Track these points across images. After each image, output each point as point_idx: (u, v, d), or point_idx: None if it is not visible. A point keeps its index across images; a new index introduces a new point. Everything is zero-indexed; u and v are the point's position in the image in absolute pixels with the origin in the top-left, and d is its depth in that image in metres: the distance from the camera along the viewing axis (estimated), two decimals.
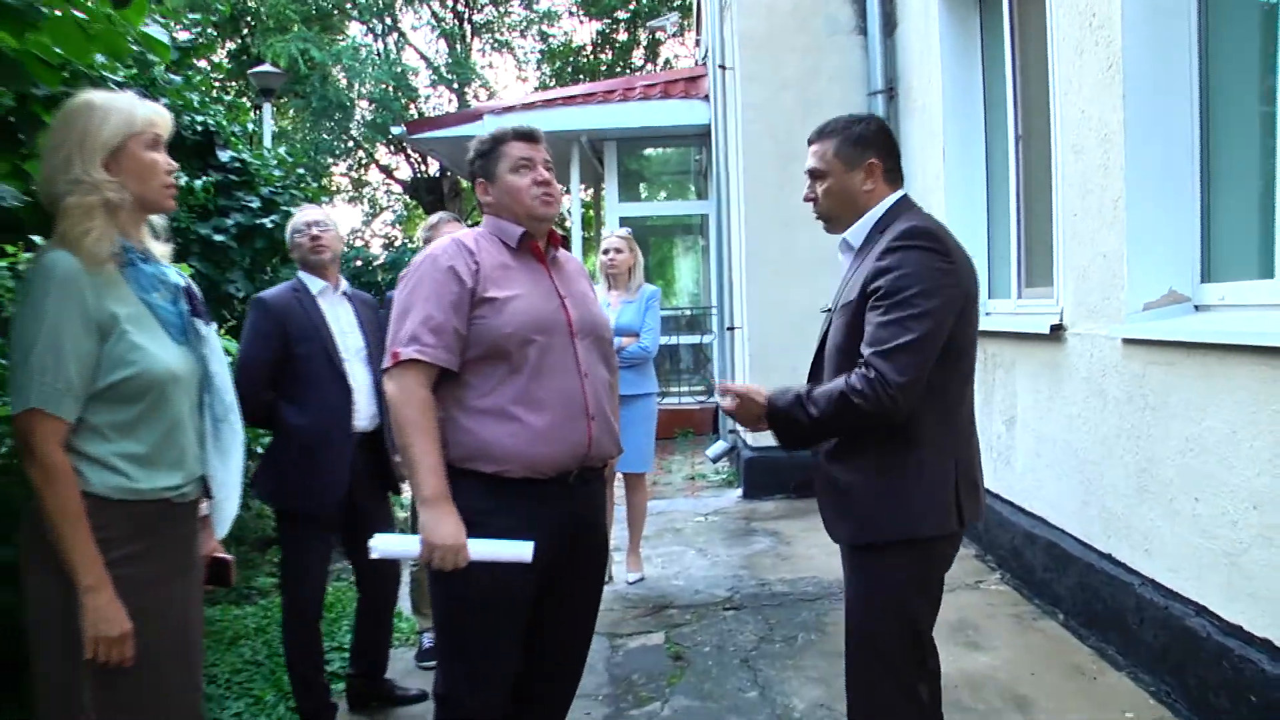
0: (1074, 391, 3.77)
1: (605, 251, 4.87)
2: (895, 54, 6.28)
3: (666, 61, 22.08)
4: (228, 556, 2.13)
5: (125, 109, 1.84)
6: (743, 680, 3.52)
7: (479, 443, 2.13)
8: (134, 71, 3.53)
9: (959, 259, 2.07)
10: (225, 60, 19.53)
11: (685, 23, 17.22)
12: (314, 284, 3.26)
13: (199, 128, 5.77)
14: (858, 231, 2.19)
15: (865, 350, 2.00)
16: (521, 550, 2.06)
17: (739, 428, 7.55)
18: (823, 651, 3.71)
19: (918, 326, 1.96)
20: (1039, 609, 4.00)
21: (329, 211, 3.46)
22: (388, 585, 3.46)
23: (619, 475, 4.60)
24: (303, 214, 3.34)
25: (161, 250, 1.97)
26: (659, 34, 21.19)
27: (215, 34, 18.69)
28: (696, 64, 12.82)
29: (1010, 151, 4.72)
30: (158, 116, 1.89)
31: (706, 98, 9.71)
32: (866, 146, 2.20)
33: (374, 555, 2.11)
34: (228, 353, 3.47)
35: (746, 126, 6.74)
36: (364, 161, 23.11)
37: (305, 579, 3.21)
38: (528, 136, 2.31)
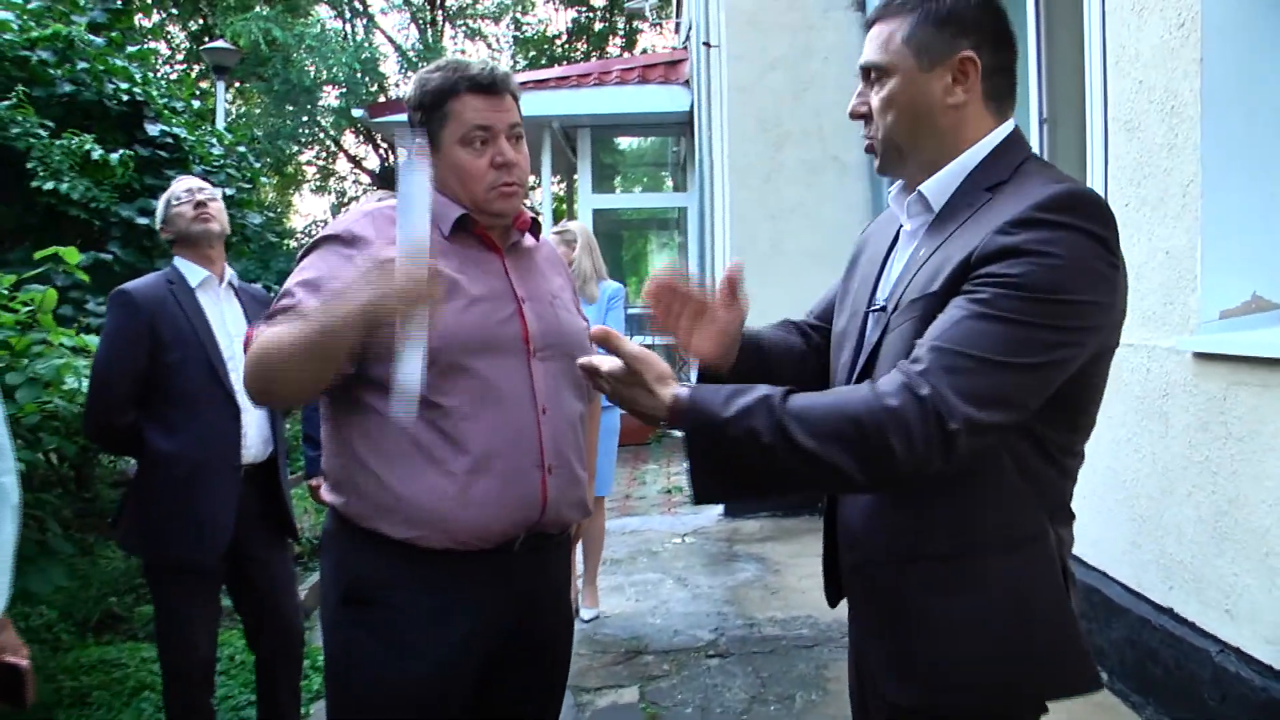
0: (1123, 412, 3.21)
1: None
2: None
3: (644, 51, 21.46)
4: (21, 662, 1.48)
5: None
6: None
7: (387, 496, 1.53)
8: None
9: (1121, 262, 1.22)
10: (185, 40, 18.74)
11: (664, 10, 16.60)
12: (193, 274, 2.62)
13: (125, 97, 5.16)
14: (942, 184, 1.30)
15: (929, 348, 1.14)
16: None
17: None
18: (826, 717, 3.14)
19: (1042, 351, 1.14)
20: None
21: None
22: (289, 641, 2.80)
23: None
24: (180, 182, 2.69)
25: None
26: (637, 21, 20.57)
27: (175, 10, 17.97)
28: (674, 50, 12.24)
29: (1034, 137, 4.16)
30: None
31: (687, 83, 9.15)
32: (961, 31, 1.27)
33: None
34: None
35: (733, 110, 6.15)
36: (331, 150, 22.30)
37: (186, 642, 2.57)
38: (488, 88, 1.62)
